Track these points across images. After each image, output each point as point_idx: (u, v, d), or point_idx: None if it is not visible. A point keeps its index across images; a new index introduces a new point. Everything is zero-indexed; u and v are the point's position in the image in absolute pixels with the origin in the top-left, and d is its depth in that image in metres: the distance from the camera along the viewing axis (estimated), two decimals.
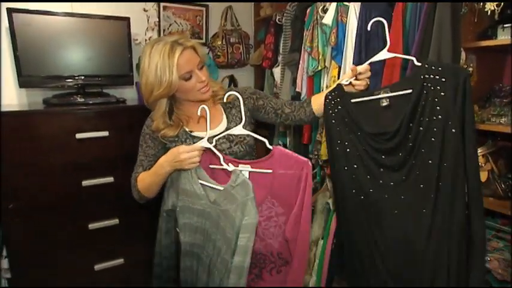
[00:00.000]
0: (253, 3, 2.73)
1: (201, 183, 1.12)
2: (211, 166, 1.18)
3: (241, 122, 1.19)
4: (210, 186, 1.11)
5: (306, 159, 1.07)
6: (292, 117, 1.32)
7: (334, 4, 1.73)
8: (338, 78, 1.73)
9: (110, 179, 1.83)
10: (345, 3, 1.68)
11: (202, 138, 1.16)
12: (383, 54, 1.13)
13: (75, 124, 1.72)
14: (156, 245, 1.29)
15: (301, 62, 1.97)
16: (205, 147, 1.13)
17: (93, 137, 1.75)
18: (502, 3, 1.25)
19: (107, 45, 1.99)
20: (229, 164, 1.10)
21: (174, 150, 1.14)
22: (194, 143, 1.20)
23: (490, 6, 1.27)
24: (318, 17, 1.86)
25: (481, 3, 1.30)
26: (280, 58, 2.18)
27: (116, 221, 1.89)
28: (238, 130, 1.18)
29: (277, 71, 2.23)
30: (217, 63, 2.58)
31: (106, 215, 1.87)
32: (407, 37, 1.37)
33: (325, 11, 1.81)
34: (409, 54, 1.36)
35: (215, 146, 1.14)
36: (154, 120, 1.25)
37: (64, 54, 1.88)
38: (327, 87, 1.80)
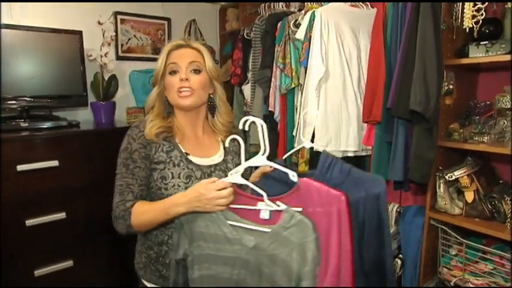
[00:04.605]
0: (218, 16, 2.62)
1: (231, 225, 0.89)
2: (253, 206, 0.90)
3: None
4: (248, 228, 0.88)
5: (338, 192, 0.84)
6: None
7: (307, 19, 1.65)
8: None
9: (62, 215, 1.59)
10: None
11: (199, 165, 1.04)
12: (260, 160, 0.88)
13: (16, 154, 1.48)
14: None
15: (273, 79, 1.87)
16: (238, 184, 0.88)
17: (40, 168, 1.52)
18: (481, 21, 1.22)
19: (56, 62, 1.78)
20: (276, 202, 0.87)
21: (198, 187, 0.88)
22: (189, 169, 1.03)
23: (468, 24, 1.25)
24: (290, 32, 1.77)
25: (459, 21, 1.27)
26: (250, 75, 2.07)
27: (69, 262, 1.64)
28: (261, 161, 0.89)
29: (247, 89, 2.11)
30: None
31: (57, 257, 1.61)
32: (390, 54, 1.31)
33: (297, 25, 1.73)
34: (392, 72, 1.31)
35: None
36: (150, 121, 1.03)
37: (6, 72, 1.63)
38: (301, 105, 1.70)
